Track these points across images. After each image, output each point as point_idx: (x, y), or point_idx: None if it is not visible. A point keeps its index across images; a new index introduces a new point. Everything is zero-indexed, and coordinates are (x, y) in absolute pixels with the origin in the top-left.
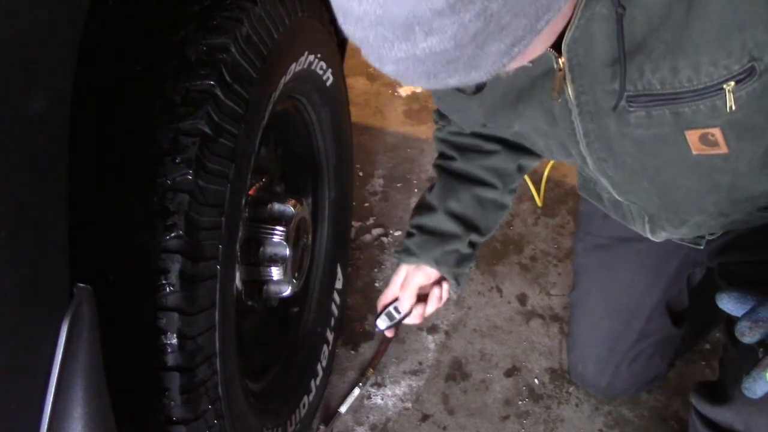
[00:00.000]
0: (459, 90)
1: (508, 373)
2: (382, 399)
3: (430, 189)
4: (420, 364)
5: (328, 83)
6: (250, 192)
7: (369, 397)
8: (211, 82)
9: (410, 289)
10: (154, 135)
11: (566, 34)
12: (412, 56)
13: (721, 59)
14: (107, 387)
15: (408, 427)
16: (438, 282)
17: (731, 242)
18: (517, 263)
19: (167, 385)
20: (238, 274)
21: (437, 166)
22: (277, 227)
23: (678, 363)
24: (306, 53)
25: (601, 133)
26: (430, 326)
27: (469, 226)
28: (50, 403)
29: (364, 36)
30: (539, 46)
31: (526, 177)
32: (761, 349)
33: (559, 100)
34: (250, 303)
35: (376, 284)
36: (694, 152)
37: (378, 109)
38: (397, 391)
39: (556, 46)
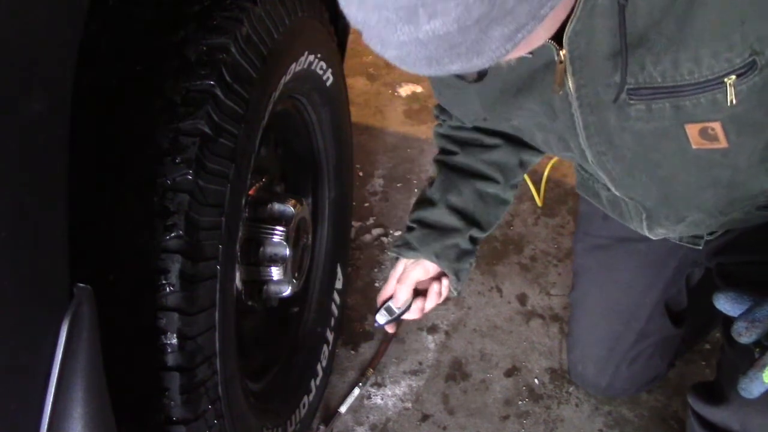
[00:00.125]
0: (460, 77)
1: (508, 373)
2: (382, 399)
3: (430, 184)
4: (420, 364)
5: (328, 83)
6: (250, 192)
7: (369, 397)
8: (211, 82)
9: (407, 283)
10: (154, 135)
11: (568, 26)
12: (414, 40)
13: (722, 52)
14: (107, 387)
15: (408, 427)
16: (437, 278)
17: (730, 242)
18: (517, 263)
19: (167, 385)
20: (238, 274)
21: (438, 161)
22: (277, 227)
23: (678, 363)
24: (306, 53)
25: (601, 126)
26: (430, 326)
27: (470, 220)
28: (50, 403)
29: (367, 18)
30: (542, 33)
31: (526, 177)
32: (758, 349)
33: (560, 93)
34: (250, 303)
35: (376, 284)
36: (694, 146)
37: (378, 109)
38: (397, 391)
39: (557, 38)
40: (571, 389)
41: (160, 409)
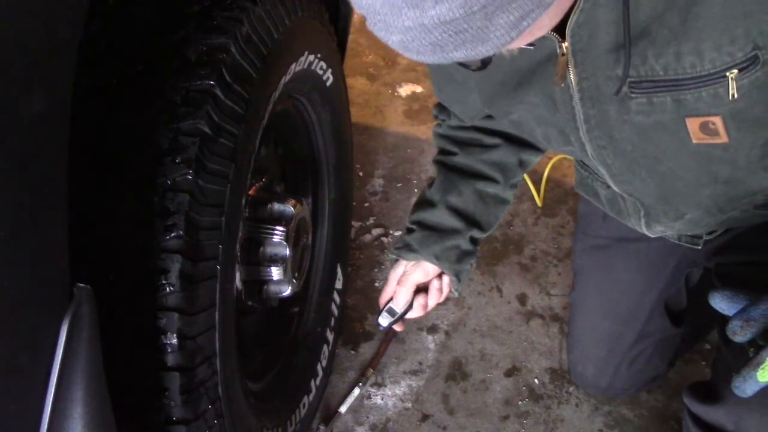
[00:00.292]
0: (463, 65)
1: (508, 373)
2: (382, 399)
3: (430, 185)
4: (420, 364)
5: (328, 83)
6: (250, 192)
7: (369, 397)
8: (211, 82)
9: (407, 286)
10: (154, 135)
11: (570, 18)
12: (419, 25)
13: (724, 45)
14: (107, 387)
15: (408, 427)
16: (438, 276)
17: (729, 242)
18: (517, 263)
19: (167, 385)
20: (238, 274)
21: (437, 162)
22: (277, 227)
23: (678, 363)
24: (306, 53)
25: (602, 119)
26: (430, 326)
27: (470, 221)
28: (50, 403)
29: (372, 2)
30: (546, 21)
31: (526, 177)
32: (752, 348)
33: (561, 86)
34: (250, 303)
35: (376, 284)
36: (694, 141)
37: (378, 109)
38: (397, 391)
39: (560, 30)
40: (571, 389)
41: (160, 409)
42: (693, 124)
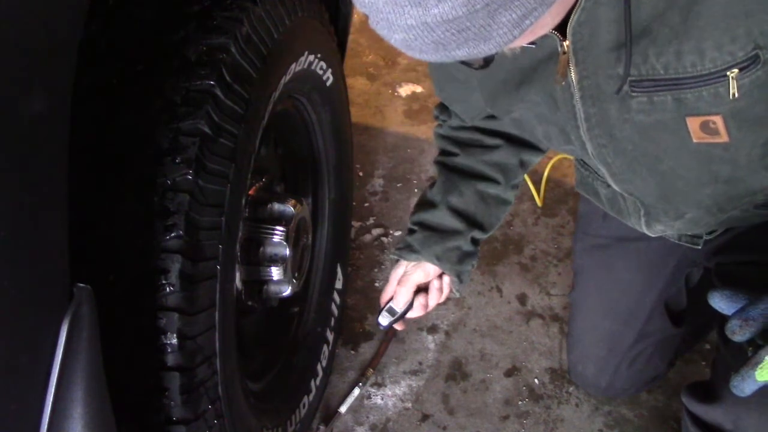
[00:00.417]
0: (465, 64)
1: (508, 373)
2: (382, 399)
3: (431, 186)
4: (420, 364)
5: (328, 83)
6: (250, 192)
7: (369, 397)
8: (211, 82)
9: (408, 286)
10: (154, 135)
11: (572, 17)
12: (422, 23)
13: (725, 44)
14: (107, 387)
15: (408, 427)
16: (438, 276)
17: (729, 242)
18: (517, 263)
19: (167, 385)
20: (238, 274)
21: (438, 163)
22: (277, 227)
23: (678, 363)
24: (306, 53)
25: (602, 118)
26: (430, 326)
27: (472, 222)
28: (50, 403)
29: (374, 1)
30: (548, 20)
31: (526, 177)
32: (751, 348)
33: (562, 84)
34: (250, 303)
35: (376, 284)
36: (695, 140)
37: (378, 109)
38: (397, 391)
39: (561, 29)
40: (571, 389)
41: (160, 409)
42: (693, 123)
